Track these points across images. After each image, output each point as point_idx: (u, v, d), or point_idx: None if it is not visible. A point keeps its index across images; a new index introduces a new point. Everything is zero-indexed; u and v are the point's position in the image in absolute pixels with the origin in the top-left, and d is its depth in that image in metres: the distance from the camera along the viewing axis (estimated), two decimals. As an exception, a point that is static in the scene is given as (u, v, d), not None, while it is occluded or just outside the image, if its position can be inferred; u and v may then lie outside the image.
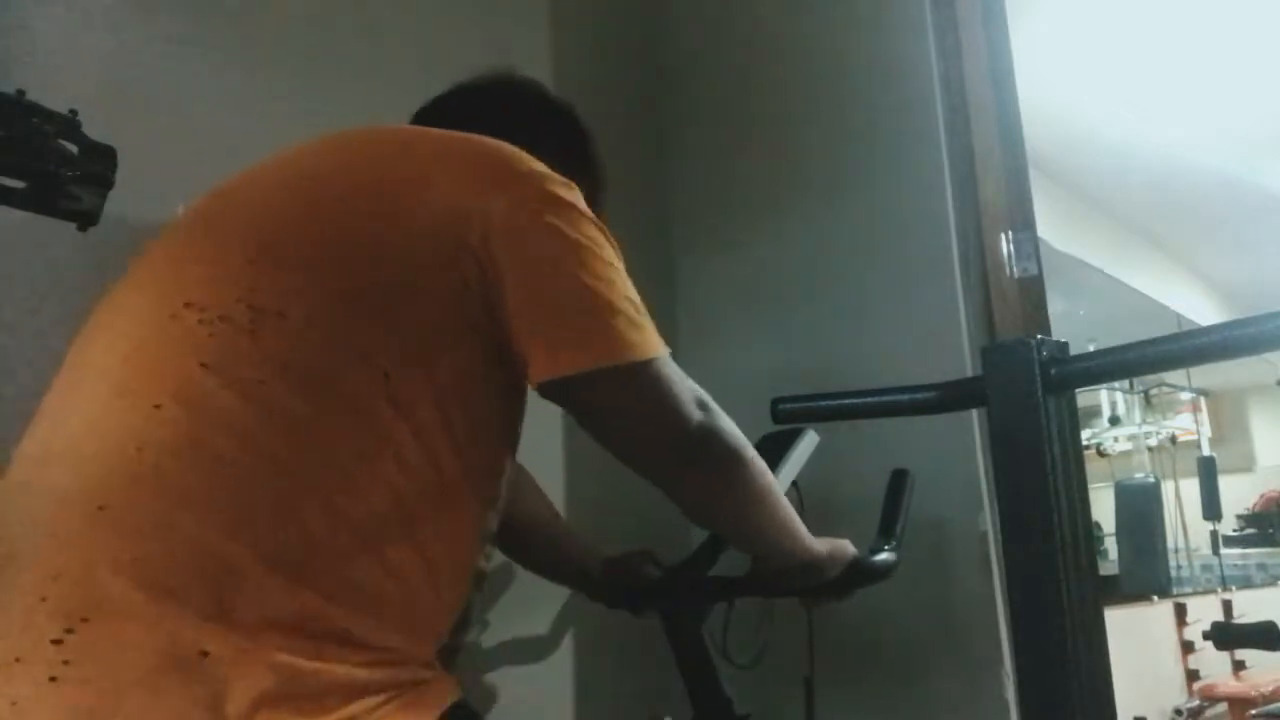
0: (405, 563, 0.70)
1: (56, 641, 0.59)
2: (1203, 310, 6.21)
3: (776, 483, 0.92)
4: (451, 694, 0.70)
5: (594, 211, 1.04)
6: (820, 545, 1.01)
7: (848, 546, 1.05)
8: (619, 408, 0.78)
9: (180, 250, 0.79)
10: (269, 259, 0.74)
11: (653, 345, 0.77)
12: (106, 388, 0.71)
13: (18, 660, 0.59)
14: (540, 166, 0.81)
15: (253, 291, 0.71)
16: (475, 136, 0.83)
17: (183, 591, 0.61)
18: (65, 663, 0.58)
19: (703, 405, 0.81)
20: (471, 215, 0.75)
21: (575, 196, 0.80)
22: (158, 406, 0.67)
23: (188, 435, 0.66)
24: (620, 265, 0.79)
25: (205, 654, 0.59)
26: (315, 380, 0.69)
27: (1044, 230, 1.76)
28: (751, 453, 0.87)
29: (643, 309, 0.78)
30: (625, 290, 0.78)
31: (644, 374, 0.76)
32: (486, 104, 1.03)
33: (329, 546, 0.66)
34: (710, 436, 0.81)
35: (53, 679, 0.58)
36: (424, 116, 1.03)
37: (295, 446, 0.67)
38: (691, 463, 0.82)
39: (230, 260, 0.74)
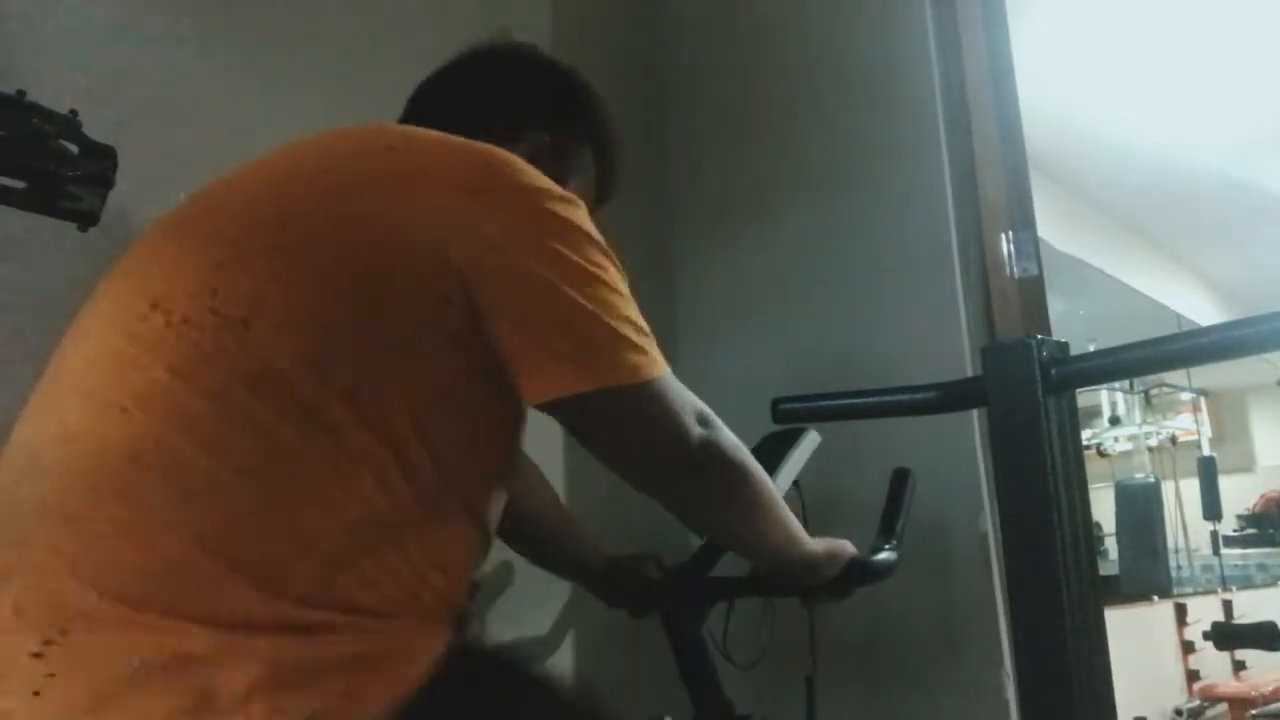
0: (387, 577, 0.67)
1: (36, 655, 0.57)
2: (1203, 310, 6.21)
3: (776, 490, 0.92)
4: (442, 641, 0.67)
5: (608, 178, 1.03)
6: (818, 546, 1.01)
7: (846, 546, 1.05)
8: (615, 428, 0.77)
9: (153, 252, 0.77)
10: (238, 263, 0.71)
11: (650, 367, 0.75)
12: (75, 392, 0.69)
13: (3, 677, 0.58)
14: (540, 181, 0.77)
15: (216, 295, 0.69)
16: (470, 143, 0.79)
17: (153, 601, 0.59)
18: (49, 675, 0.57)
19: (703, 420, 0.80)
20: (458, 231, 0.72)
21: (575, 213, 0.77)
22: (123, 410, 0.65)
23: (153, 441, 0.64)
24: (622, 284, 0.77)
25: (190, 654, 0.58)
26: (281, 389, 0.66)
27: (1044, 230, 1.76)
28: (752, 463, 0.87)
29: (644, 329, 0.77)
30: (625, 312, 0.76)
31: (640, 395, 0.75)
32: (479, 79, 0.99)
33: (301, 559, 0.64)
34: (710, 451, 0.81)
35: (36, 693, 0.56)
36: (423, 94, 1.00)
37: (262, 457, 0.65)
38: (692, 478, 0.82)
39: (199, 262, 0.72)
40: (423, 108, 0.99)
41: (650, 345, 0.77)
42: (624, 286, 0.77)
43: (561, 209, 0.76)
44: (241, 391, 0.66)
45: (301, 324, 0.69)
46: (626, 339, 0.74)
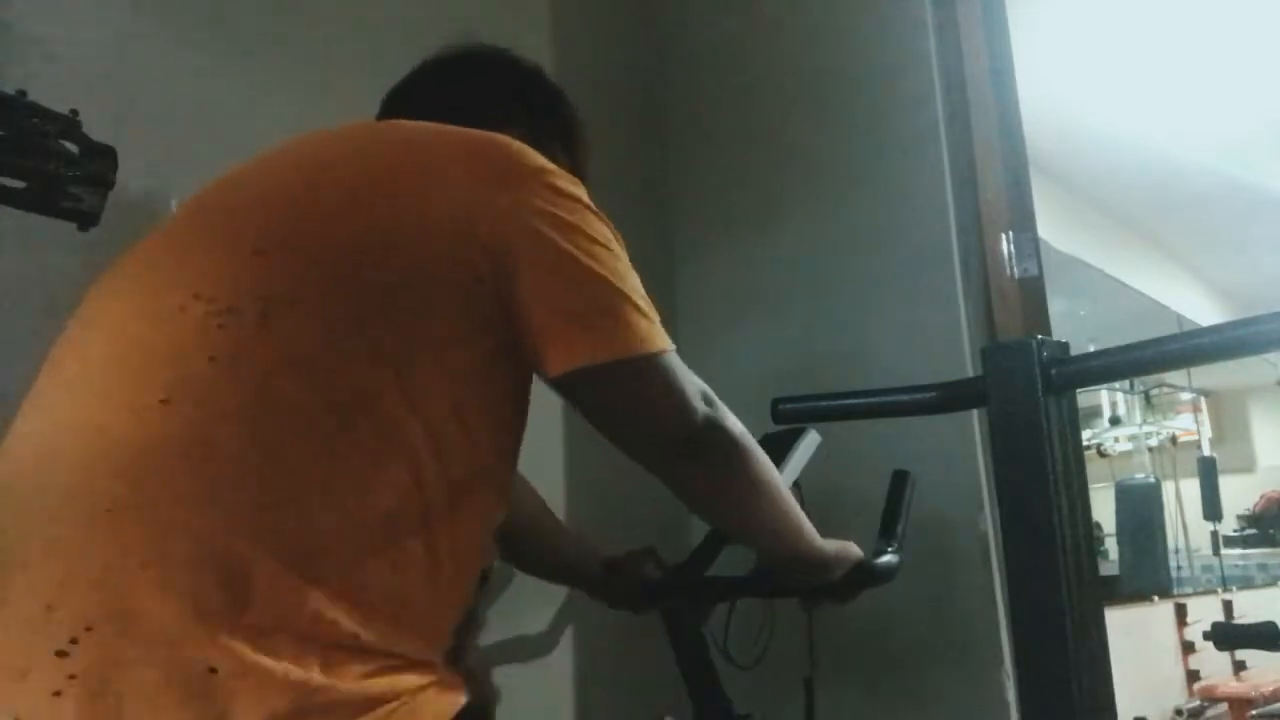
0: (415, 562, 0.69)
1: (61, 654, 0.57)
2: (1203, 310, 6.21)
3: (780, 477, 0.92)
4: (457, 699, 0.69)
5: (579, 173, 1.03)
6: (827, 545, 1.00)
7: (854, 549, 1.05)
8: (629, 400, 0.78)
9: (185, 242, 0.78)
10: (279, 250, 0.72)
11: (663, 338, 0.78)
12: (110, 383, 0.69)
13: (25, 673, 0.58)
14: (544, 162, 0.80)
15: (262, 283, 0.70)
16: (477, 132, 0.82)
17: (194, 593, 0.60)
18: (70, 677, 0.57)
19: (708, 399, 0.82)
20: (480, 211, 0.74)
21: (578, 190, 0.80)
22: (164, 401, 0.66)
23: (195, 431, 0.65)
24: (627, 260, 0.80)
25: (213, 670, 0.58)
26: (323, 375, 0.68)
27: (1044, 230, 1.76)
28: (755, 446, 0.87)
29: (650, 303, 0.79)
30: (634, 283, 0.78)
31: (655, 367, 0.77)
32: (453, 85, 1.02)
33: (339, 545, 0.65)
34: (716, 430, 0.81)
35: (57, 693, 0.56)
36: (395, 100, 1.02)
37: (304, 443, 0.66)
38: (697, 456, 0.82)
39: (239, 251, 0.73)
40: (401, 108, 1.00)
41: (656, 317, 0.79)
42: (627, 259, 0.80)
43: (565, 185, 0.79)
44: (283, 378, 0.67)
45: (344, 309, 0.70)
46: (636, 304, 0.77)
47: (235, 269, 0.72)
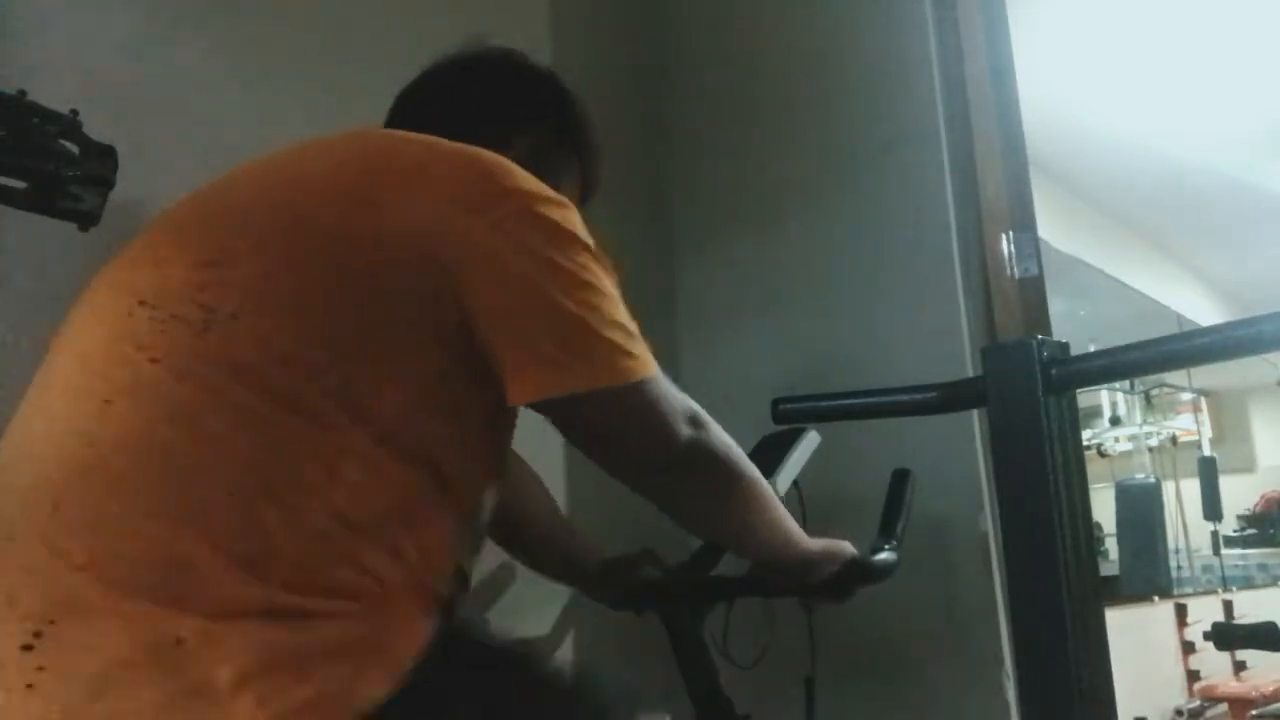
0: (373, 566, 0.68)
1: (27, 647, 0.58)
2: (1203, 310, 6.21)
3: (770, 489, 0.93)
4: (428, 628, 0.68)
5: (590, 180, 1.03)
6: (815, 544, 1.01)
7: (845, 546, 1.05)
8: (600, 428, 0.79)
9: (144, 250, 0.79)
10: (230, 261, 0.72)
11: (638, 369, 0.76)
12: (62, 387, 0.71)
13: (1, 668, 0.58)
14: (530, 184, 0.78)
15: (205, 291, 0.70)
16: (464, 149, 0.80)
17: (141, 588, 0.60)
18: (40, 669, 0.57)
19: (694, 421, 0.81)
20: (448, 232, 0.73)
21: (565, 215, 0.78)
22: (108, 402, 0.67)
23: (138, 429, 0.66)
24: (610, 286, 0.78)
25: (180, 640, 0.58)
26: (265, 383, 0.68)
27: (1044, 230, 1.76)
28: (742, 462, 0.87)
29: (632, 331, 0.77)
30: (612, 314, 0.76)
31: (628, 397, 0.76)
32: (465, 86, 1.00)
33: (289, 543, 0.65)
34: (698, 452, 0.82)
35: (29, 686, 0.57)
36: (405, 103, 1.01)
37: (248, 441, 0.66)
38: (677, 475, 0.83)
39: (189, 260, 0.73)
40: (407, 116, 0.99)
41: (637, 346, 0.77)
42: (611, 288, 0.78)
43: (551, 211, 0.77)
44: (229, 382, 0.67)
45: (291, 320, 0.70)
46: (613, 343, 0.75)
47: (184, 277, 0.72)
